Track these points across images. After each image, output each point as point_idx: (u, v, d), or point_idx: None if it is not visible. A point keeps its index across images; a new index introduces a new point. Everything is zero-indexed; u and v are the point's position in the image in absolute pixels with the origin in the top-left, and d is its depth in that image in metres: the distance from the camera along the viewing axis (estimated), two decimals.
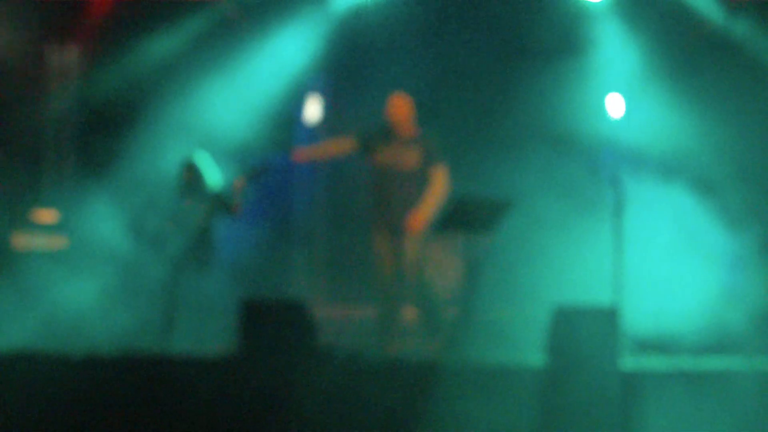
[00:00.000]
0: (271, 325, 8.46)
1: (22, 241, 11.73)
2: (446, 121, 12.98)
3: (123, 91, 12.69)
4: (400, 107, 9.97)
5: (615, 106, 12.64)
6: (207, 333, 10.51)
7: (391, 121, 9.94)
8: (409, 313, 10.45)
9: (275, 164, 13.42)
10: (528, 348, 9.14)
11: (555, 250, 10.94)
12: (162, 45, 12.71)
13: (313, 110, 13.58)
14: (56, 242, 11.72)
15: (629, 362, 8.78)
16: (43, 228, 11.85)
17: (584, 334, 8.21)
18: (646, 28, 12.31)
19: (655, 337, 9.94)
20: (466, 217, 9.42)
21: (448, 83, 13.15)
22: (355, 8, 12.74)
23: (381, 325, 9.97)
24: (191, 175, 10.54)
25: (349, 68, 13.38)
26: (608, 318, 8.38)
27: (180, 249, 10.36)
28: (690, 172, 11.31)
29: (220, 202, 10.40)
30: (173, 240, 10.38)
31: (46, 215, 11.96)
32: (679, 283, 10.45)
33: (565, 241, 10.90)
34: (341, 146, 10.25)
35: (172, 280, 10.39)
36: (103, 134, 12.47)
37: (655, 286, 10.39)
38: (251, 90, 12.46)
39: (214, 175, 10.60)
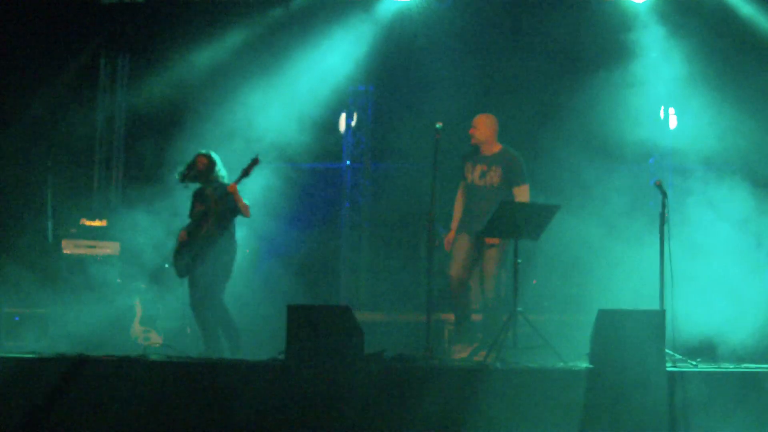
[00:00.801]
0: (318, 330, 8.48)
1: (72, 246, 11.83)
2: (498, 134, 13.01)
3: (170, 98, 12.81)
4: (484, 126, 10.14)
5: (667, 114, 12.62)
6: (255, 338, 10.56)
7: (476, 140, 10.13)
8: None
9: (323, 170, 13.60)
10: (577, 350, 9.11)
11: (607, 255, 10.86)
12: (209, 52, 12.82)
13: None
14: (105, 248, 11.82)
15: (676, 363, 8.77)
16: (93, 234, 11.95)
17: (632, 336, 8.21)
18: (693, 33, 12.23)
19: (706, 341, 9.86)
20: (513, 222, 9.42)
21: (495, 91, 13.17)
22: (401, 16, 12.76)
23: (455, 330, 10.10)
24: (206, 164, 10.27)
25: (395, 77, 13.43)
26: (655, 320, 8.37)
27: (194, 262, 10.10)
28: (745, 176, 11.20)
29: (228, 204, 10.08)
30: (184, 255, 10.15)
31: (96, 221, 12.06)
32: (734, 288, 10.35)
33: (617, 246, 10.83)
34: (463, 195, 10.38)
35: (199, 293, 10.11)
36: (151, 141, 12.58)
37: (709, 290, 10.29)
38: (297, 97, 12.52)
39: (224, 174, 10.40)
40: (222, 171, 10.35)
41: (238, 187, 10.05)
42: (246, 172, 10.09)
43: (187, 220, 10.33)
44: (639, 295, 9.97)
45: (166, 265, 10.49)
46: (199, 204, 10.29)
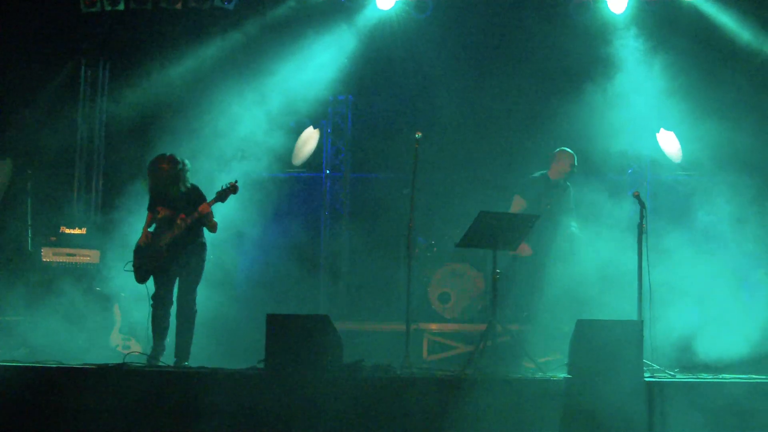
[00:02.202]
0: (297, 339, 8.50)
1: (51, 254, 11.79)
2: (477, 145, 13.05)
3: (151, 107, 12.80)
4: (567, 161, 10.78)
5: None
6: (235, 347, 10.55)
7: (556, 172, 10.79)
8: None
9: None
10: (557, 360, 9.15)
11: (587, 265, 10.90)
12: (189, 61, 12.82)
13: (308, 147, 13.63)
14: (85, 256, 11.78)
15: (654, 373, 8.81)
16: (72, 241, 11.91)
17: (610, 346, 8.25)
18: (673, 45, 12.27)
19: (684, 351, 9.92)
20: (491, 232, 9.45)
21: (474, 101, 13.20)
22: (381, 26, 12.77)
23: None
24: (175, 168, 9.85)
25: (375, 87, 13.44)
26: (633, 330, 8.42)
27: (159, 268, 9.91)
28: (726, 186, 11.27)
29: (194, 221, 9.82)
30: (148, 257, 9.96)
31: (76, 229, 12.03)
32: (713, 298, 10.41)
33: (597, 256, 10.86)
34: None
35: (169, 296, 9.93)
36: (131, 150, 12.54)
37: (687, 300, 10.35)
38: (276, 106, 12.49)
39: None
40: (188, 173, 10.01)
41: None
42: (221, 198, 9.83)
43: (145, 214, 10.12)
44: (619, 305, 10.00)
45: (125, 269, 10.36)
46: (162, 208, 9.94)
